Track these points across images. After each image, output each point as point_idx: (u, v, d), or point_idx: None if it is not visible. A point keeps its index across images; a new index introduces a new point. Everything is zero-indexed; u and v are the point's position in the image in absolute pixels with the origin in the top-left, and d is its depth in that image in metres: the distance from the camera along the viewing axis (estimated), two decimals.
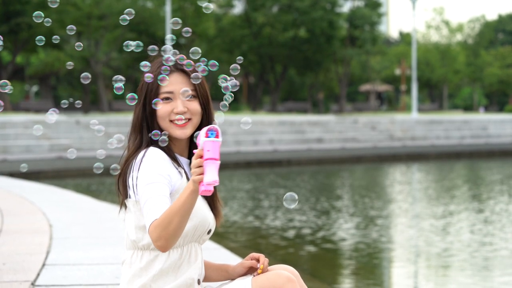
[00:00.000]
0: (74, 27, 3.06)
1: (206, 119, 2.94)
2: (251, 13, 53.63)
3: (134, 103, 2.88)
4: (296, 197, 2.87)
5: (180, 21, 2.92)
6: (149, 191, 2.71)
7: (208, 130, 2.57)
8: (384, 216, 12.12)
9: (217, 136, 2.56)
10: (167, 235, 2.61)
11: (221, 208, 3.02)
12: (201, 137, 2.57)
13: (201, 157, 2.57)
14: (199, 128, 2.93)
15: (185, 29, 2.94)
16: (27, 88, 65.90)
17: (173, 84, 2.88)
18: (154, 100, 2.81)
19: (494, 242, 9.45)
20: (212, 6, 2.93)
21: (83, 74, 2.95)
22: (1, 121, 26.28)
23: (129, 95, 2.85)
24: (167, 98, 2.88)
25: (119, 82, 2.87)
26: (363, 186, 18.76)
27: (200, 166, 2.56)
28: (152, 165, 2.76)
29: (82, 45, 3.12)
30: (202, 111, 2.93)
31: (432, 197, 15.21)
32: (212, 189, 2.53)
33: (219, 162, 2.54)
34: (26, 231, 6.97)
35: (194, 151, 2.61)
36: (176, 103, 2.88)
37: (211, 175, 2.52)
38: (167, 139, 2.84)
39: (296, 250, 9.11)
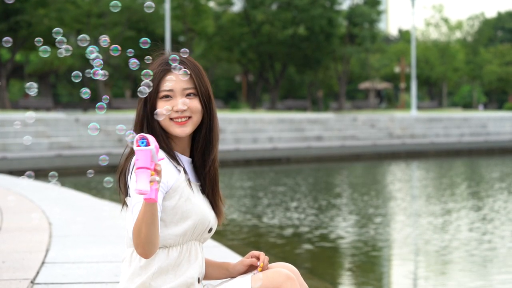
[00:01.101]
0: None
1: (207, 117, 2.94)
2: (250, 11, 53.64)
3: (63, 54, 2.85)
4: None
5: (88, 38, 2.88)
6: (136, 196, 2.69)
7: (139, 138, 2.49)
8: (382, 214, 12.13)
9: (148, 144, 2.48)
10: (141, 243, 2.59)
11: (223, 207, 3.00)
12: (134, 147, 2.50)
13: None
14: (199, 126, 2.93)
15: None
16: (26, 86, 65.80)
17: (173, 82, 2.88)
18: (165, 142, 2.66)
19: (493, 240, 9.46)
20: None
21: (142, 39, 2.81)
22: (0, 119, 26.25)
23: (57, 36, 2.82)
24: (167, 96, 2.88)
25: (33, 89, 2.90)
26: (362, 184, 18.76)
27: None
28: None
29: (42, 40, 3.08)
30: (203, 109, 2.92)
31: (431, 195, 15.21)
32: (153, 196, 2.45)
33: (149, 171, 2.46)
34: (26, 229, 6.97)
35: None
36: (176, 101, 2.87)
37: (141, 184, 2.44)
38: (147, 90, 2.72)
39: (295, 248, 9.12)
